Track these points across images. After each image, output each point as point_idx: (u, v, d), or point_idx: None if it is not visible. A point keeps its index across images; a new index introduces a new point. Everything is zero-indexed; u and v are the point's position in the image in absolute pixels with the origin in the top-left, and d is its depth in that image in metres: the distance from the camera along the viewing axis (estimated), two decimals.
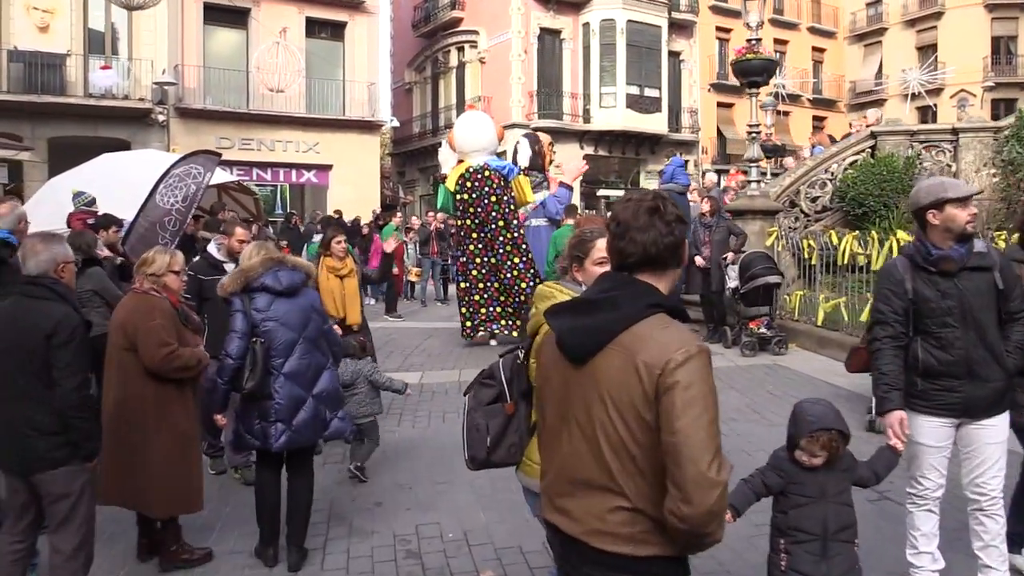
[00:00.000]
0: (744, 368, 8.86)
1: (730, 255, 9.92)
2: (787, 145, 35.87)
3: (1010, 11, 37.00)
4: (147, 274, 4.31)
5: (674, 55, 30.80)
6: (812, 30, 37.31)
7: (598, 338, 1.95)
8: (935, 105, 37.78)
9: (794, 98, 35.01)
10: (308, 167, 24.51)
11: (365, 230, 16.38)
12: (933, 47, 37.84)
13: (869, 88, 39.75)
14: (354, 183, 24.23)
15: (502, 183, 11.18)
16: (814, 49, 37.58)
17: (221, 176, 13.08)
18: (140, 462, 4.12)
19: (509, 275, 10.58)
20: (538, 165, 12.68)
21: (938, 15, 37.87)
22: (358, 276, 6.67)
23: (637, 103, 28.54)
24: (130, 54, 21.27)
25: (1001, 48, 37.26)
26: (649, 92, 28.96)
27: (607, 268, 2.63)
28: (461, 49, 30.82)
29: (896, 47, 39.37)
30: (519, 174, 11.53)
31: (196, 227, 10.80)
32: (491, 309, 10.82)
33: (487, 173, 11.18)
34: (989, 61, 36.65)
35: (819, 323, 9.40)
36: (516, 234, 10.79)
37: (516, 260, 10.61)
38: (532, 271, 10.60)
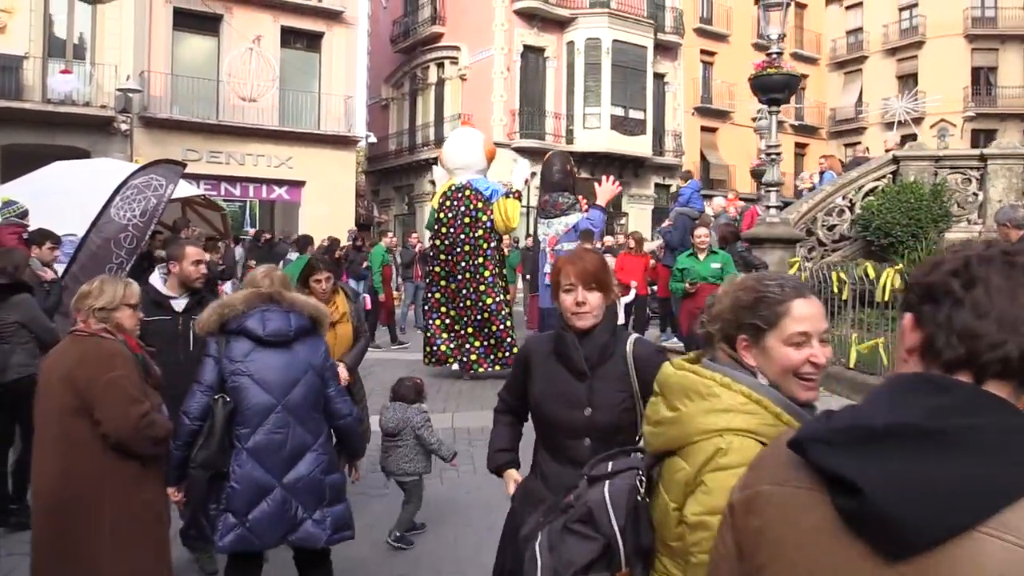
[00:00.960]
0: None
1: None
2: None
3: (990, 42, 37.06)
4: (94, 309, 3.27)
5: (658, 77, 30.19)
6: (795, 56, 36.92)
7: (963, 511, 0.95)
8: (916, 135, 37.71)
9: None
10: (280, 183, 23.37)
11: (338, 253, 15.30)
12: (914, 76, 37.77)
13: (849, 116, 39.59)
14: (328, 201, 23.13)
15: (480, 204, 10.52)
16: None
17: (186, 189, 11.96)
18: (88, 562, 3.06)
19: (465, 303, 10.17)
20: (568, 185, 12.21)
21: (919, 44, 37.83)
22: (353, 316, 5.25)
23: (622, 125, 27.81)
24: (93, 59, 20.04)
25: (981, 79, 37.26)
26: (634, 114, 28.27)
27: (813, 352, 1.65)
28: (441, 65, 29.93)
29: (877, 75, 39.27)
30: (504, 196, 10.72)
31: (154, 245, 9.69)
32: (447, 336, 10.36)
33: (467, 192, 10.58)
34: (969, 91, 36.59)
35: (851, 365, 8.49)
36: (481, 260, 10.12)
37: (480, 288, 9.98)
38: (498, 294, 10.05)
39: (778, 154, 9.96)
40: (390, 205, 32.66)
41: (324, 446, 3.41)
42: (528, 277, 16.52)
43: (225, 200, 22.75)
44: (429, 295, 10.59)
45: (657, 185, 30.53)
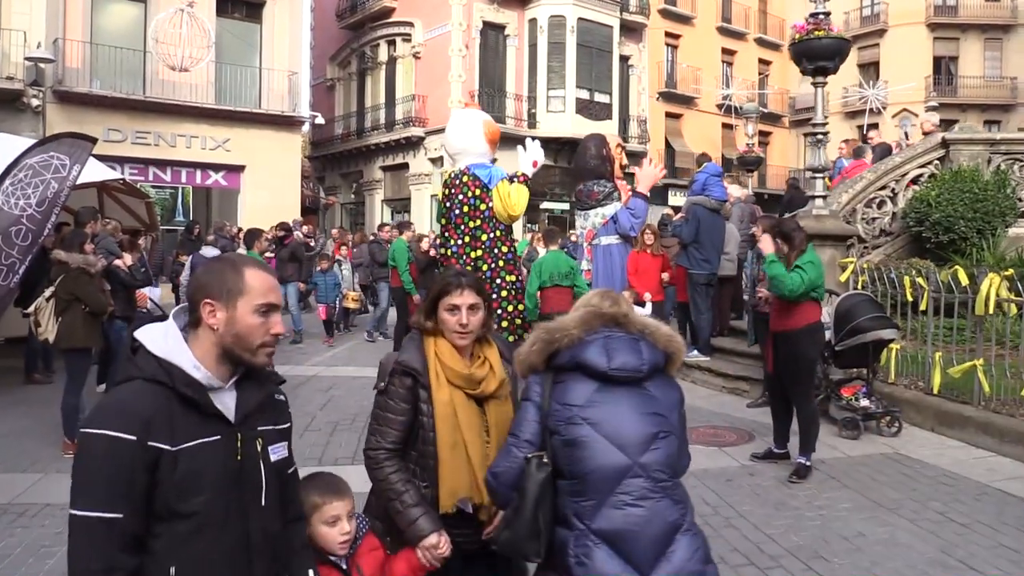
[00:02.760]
0: (851, 458, 6.27)
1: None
2: (734, 160, 34.31)
3: (951, 31, 36.50)
4: None
5: (623, 60, 28.59)
6: (759, 41, 35.82)
7: None
8: (878, 124, 36.97)
9: (735, 111, 33.33)
10: (216, 167, 21.06)
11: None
12: (875, 65, 36.99)
13: (810, 104, 38.61)
14: (270, 187, 20.92)
15: (478, 192, 8.86)
16: (760, 61, 36.08)
17: (101, 172, 9.84)
18: None
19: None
20: (604, 172, 10.65)
21: (880, 32, 37.11)
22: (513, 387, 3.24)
23: (587, 109, 26.15)
24: None
25: (943, 68, 36.67)
26: (600, 97, 26.65)
27: None
28: (392, 43, 27.82)
29: None
30: (506, 180, 9.03)
31: (55, 241, 7.66)
32: None
33: (464, 179, 8.92)
34: (931, 81, 35.98)
35: (935, 391, 6.92)
36: (479, 253, 8.60)
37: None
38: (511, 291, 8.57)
39: (825, 134, 8.33)
40: (336, 193, 30.45)
41: (695, 524, 2.36)
42: None
43: (154, 186, 20.41)
44: None
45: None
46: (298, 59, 22.35)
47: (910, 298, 7.26)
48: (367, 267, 13.24)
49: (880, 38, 37.20)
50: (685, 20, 31.78)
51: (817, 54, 8.06)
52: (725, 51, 34.01)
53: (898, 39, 36.53)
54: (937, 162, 9.76)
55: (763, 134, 36.44)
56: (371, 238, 15.21)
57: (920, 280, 7.16)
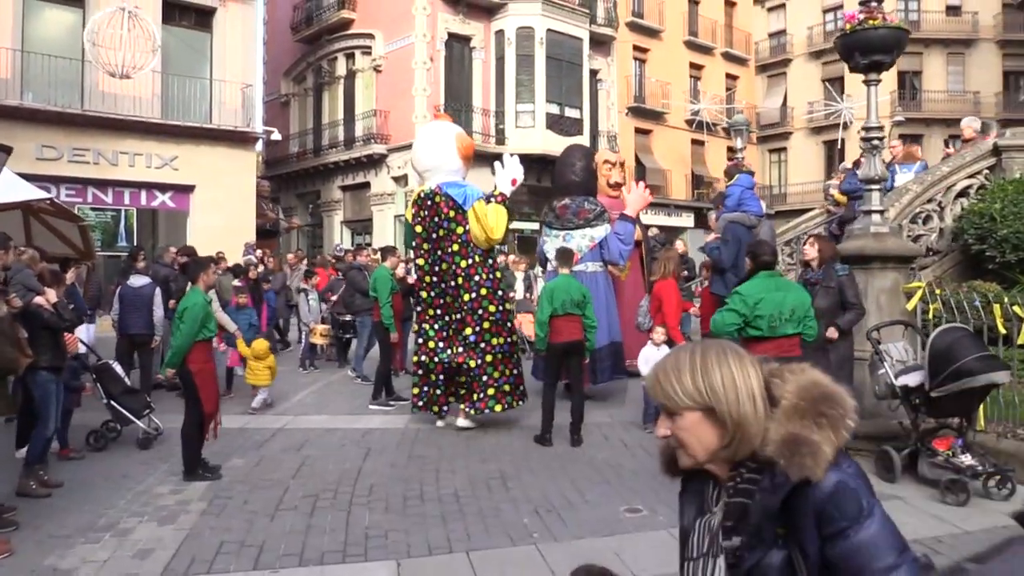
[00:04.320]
0: (969, 534, 5.05)
1: (831, 331, 6.31)
2: (704, 177, 33.53)
3: (915, 46, 36.29)
4: None
5: (592, 74, 27.58)
6: (726, 56, 35.23)
7: None
8: (843, 139, 36.65)
9: (708, 126, 32.62)
10: (163, 187, 19.40)
11: (254, 273, 11.79)
12: (839, 80, 36.61)
13: (775, 120, 38.27)
14: (223, 209, 19.31)
15: (452, 213, 7.93)
16: (728, 76, 35.46)
17: (23, 190, 8.30)
18: None
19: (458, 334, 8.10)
20: (592, 188, 9.65)
21: None
22: None
23: (557, 124, 25.06)
24: None
25: (907, 83, 36.46)
26: (570, 112, 25.60)
27: None
28: (351, 56, 26.46)
29: (801, 78, 38.11)
30: (484, 200, 8.01)
31: None
32: (440, 379, 8.22)
33: (437, 199, 7.89)
34: (896, 96, 35.73)
35: None
36: (459, 281, 8.02)
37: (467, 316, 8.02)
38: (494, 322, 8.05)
39: (881, 139, 7.20)
40: (291, 215, 28.81)
41: None
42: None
43: (93, 209, 18.67)
44: (421, 330, 8.40)
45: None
46: (252, 71, 20.81)
47: (1003, 330, 6.11)
48: (348, 298, 11.67)
49: None
50: (653, 34, 30.95)
51: (873, 46, 6.93)
52: (693, 65, 33.30)
53: None
54: (987, 171, 8.74)
55: (732, 150, 35.79)
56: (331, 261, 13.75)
57: (1017, 309, 6.02)
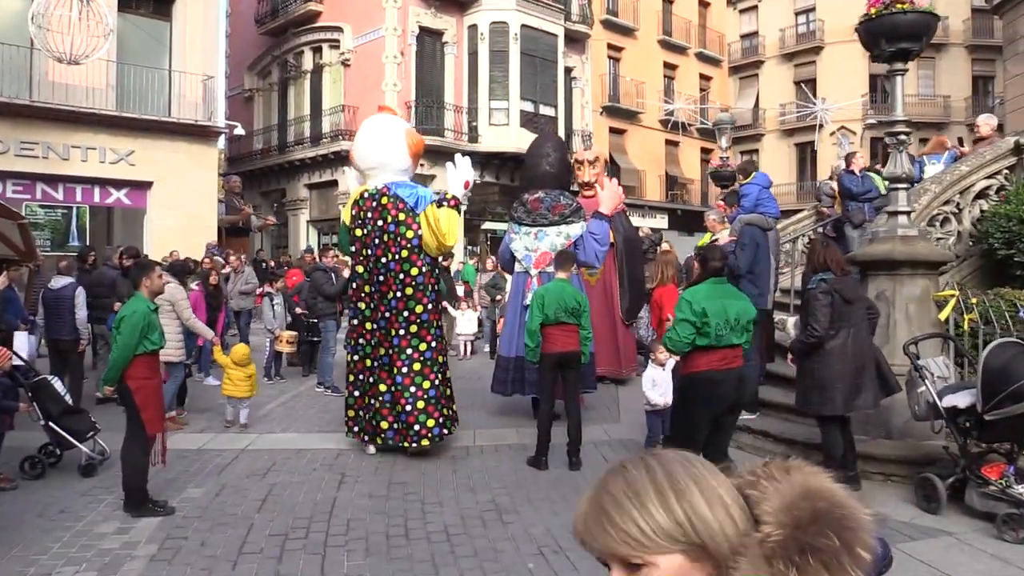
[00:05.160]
0: None
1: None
2: (678, 178, 33.09)
3: None
4: None
5: (566, 71, 26.96)
6: (700, 56, 34.85)
7: None
8: (815, 142, 36.50)
9: (683, 127, 32.19)
10: (118, 183, 18.35)
11: (215, 278, 10.93)
12: (811, 82, 36.45)
13: (747, 122, 37.99)
14: (183, 207, 18.33)
15: (402, 216, 7.15)
16: (701, 77, 35.08)
17: None
18: None
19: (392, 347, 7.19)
20: (566, 181, 8.84)
21: (816, 50, 36.67)
22: None
23: (532, 122, 24.36)
24: None
25: (878, 86, 36.37)
26: (545, 110, 24.96)
27: None
28: (318, 50, 25.54)
29: (773, 80, 37.93)
30: (436, 204, 7.28)
31: None
32: (374, 402, 7.19)
33: (384, 200, 7.05)
34: (868, 99, 35.65)
35: None
36: (409, 291, 7.17)
37: (409, 328, 7.19)
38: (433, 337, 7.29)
39: (908, 133, 6.60)
40: (259, 214, 27.74)
41: None
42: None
43: (42, 206, 17.58)
44: (355, 341, 7.43)
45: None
46: (214, 62, 19.81)
47: None
48: (311, 300, 10.88)
49: (817, 55, 36.78)
50: (628, 32, 30.43)
51: (901, 32, 6.32)
52: (667, 65, 32.86)
53: (835, 56, 36.15)
54: (1007, 171, 8.21)
55: (705, 151, 35.43)
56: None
57: None
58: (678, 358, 6.62)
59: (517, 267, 8.73)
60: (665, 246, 13.56)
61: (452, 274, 15.13)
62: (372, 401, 7.21)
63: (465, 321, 13.84)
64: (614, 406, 9.24)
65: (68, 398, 6.64)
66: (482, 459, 7.10)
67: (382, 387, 7.11)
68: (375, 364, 7.22)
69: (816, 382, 5.64)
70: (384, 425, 7.12)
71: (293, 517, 5.51)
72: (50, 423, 6.37)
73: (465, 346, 14.05)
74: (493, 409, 9.27)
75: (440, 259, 9.36)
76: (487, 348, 14.63)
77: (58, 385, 6.57)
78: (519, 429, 8.19)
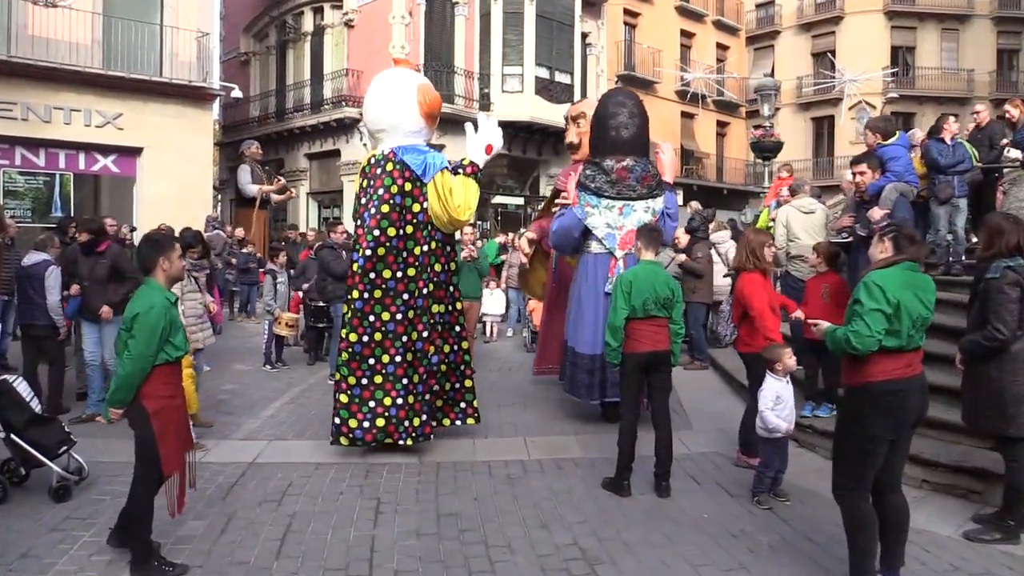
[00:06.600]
0: None
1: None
2: (694, 152, 31.73)
3: (909, 20, 34.89)
4: None
5: (582, 37, 25.50)
6: (718, 24, 33.37)
7: None
8: (835, 116, 35.13)
9: (701, 99, 30.78)
10: (105, 149, 16.93)
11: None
12: (830, 54, 34.99)
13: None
14: (176, 176, 16.95)
15: (408, 186, 6.27)
16: (719, 46, 33.61)
17: None
18: None
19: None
20: (647, 149, 7.52)
21: (836, 20, 35.34)
22: None
23: (547, 90, 23.01)
24: None
25: (899, 59, 34.99)
26: (560, 77, 23.55)
27: None
28: (319, 10, 24.01)
29: (789, 52, 36.56)
30: (451, 171, 6.03)
31: None
32: (379, 397, 6.19)
33: (388, 167, 6.27)
34: (890, 72, 34.23)
35: None
36: (411, 272, 6.30)
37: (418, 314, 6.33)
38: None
39: None
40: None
41: None
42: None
43: (21, 173, 16.19)
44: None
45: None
46: (208, 17, 18.31)
47: None
48: (320, 282, 9.64)
49: (836, 26, 35.42)
50: None
51: None
52: (684, 33, 31.39)
53: (855, 27, 34.79)
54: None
55: (721, 124, 34.05)
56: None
57: None
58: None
59: (595, 247, 7.37)
60: (745, 221, 12.12)
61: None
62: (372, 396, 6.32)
63: (493, 301, 12.61)
64: (678, 406, 7.97)
65: (35, 404, 5.35)
66: (545, 479, 5.83)
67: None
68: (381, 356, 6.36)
69: (995, 394, 4.44)
70: (380, 423, 6.17)
71: (323, 568, 4.25)
72: (11, 435, 5.08)
73: (491, 328, 12.84)
74: (539, 408, 8.05)
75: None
76: (510, 332, 13.39)
77: (22, 388, 5.27)
78: (578, 437, 6.95)
